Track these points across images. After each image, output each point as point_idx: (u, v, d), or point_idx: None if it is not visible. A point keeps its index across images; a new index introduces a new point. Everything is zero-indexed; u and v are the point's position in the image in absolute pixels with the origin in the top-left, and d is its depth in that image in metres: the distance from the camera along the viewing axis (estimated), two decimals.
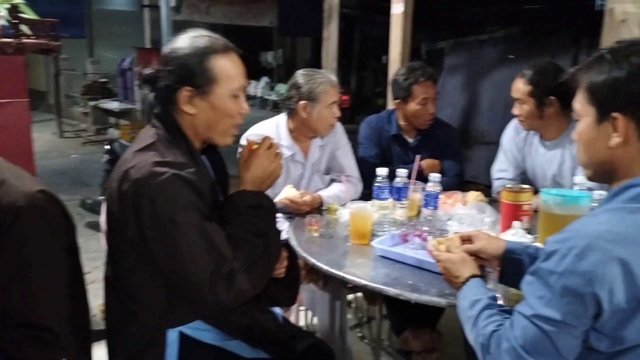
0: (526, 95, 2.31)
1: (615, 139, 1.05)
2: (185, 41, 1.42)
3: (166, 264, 1.33)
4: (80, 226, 4.46)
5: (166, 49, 1.45)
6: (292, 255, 1.69)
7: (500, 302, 1.26)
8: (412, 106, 2.62)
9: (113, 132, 9.03)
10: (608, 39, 2.86)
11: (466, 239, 1.43)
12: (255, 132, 2.28)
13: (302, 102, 2.30)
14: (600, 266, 0.94)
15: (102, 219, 1.61)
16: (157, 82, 1.43)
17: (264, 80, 14.76)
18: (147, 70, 1.46)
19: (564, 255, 0.98)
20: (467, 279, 1.28)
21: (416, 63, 2.74)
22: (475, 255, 1.39)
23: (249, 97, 15.28)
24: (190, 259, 1.30)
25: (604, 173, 1.12)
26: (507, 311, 1.16)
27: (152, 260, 1.35)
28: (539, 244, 1.56)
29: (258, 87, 14.85)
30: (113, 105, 9.03)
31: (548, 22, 7.16)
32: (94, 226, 4.43)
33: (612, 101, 1.05)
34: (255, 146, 1.47)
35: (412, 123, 2.69)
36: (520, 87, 2.34)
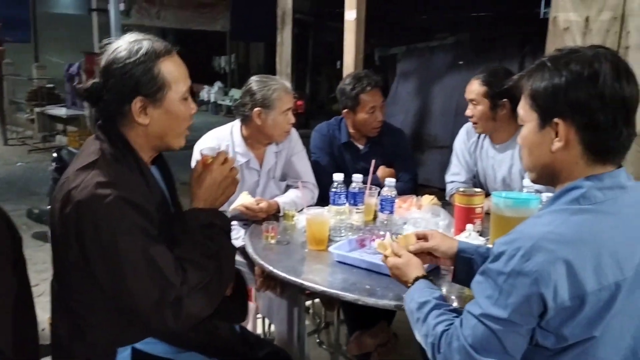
0: (481, 96, 2.38)
1: (557, 144, 1.08)
2: (124, 49, 1.32)
3: (111, 289, 1.28)
4: (27, 237, 4.29)
5: (105, 59, 1.33)
6: (238, 272, 1.63)
7: (455, 303, 1.29)
8: (361, 115, 2.63)
9: (61, 139, 8.72)
10: (552, 46, 2.97)
11: (421, 237, 1.48)
12: (209, 146, 2.26)
13: (256, 109, 2.28)
14: (544, 266, 0.98)
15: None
16: (102, 96, 1.34)
17: (217, 85, 14.61)
18: (87, 84, 1.36)
19: (511, 256, 1.01)
20: (413, 281, 1.32)
21: (362, 72, 2.75)
22: (430, 253, 1.45)
23: (202, 102, 15.12)
24: (135, 286, 1.24)
25: (547, 176, 1.16)
26: (455, 310, 1.20)
27: (98, 283, 1.28)
28: (490, 246, 1.60)
29: (211, 92, 14.66)
30: (60, 111, 8.72)
31: (496, 29, 7.39)
32: (42, 237, 4.27)
33: (553, 107, 1.08)
34: (209, 160, 1.43)
35: (361, 131, 2.71)
36: (475, 88, 2.40)
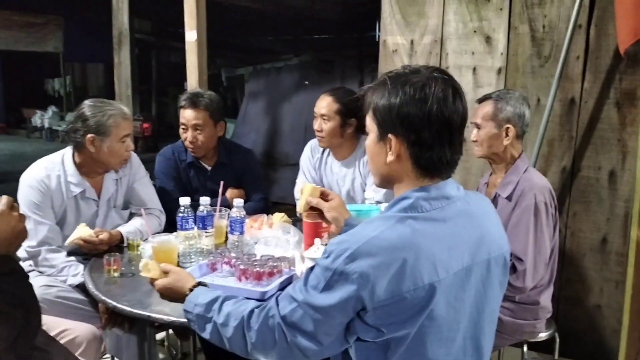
0: (333, 112, 2.47)
1: (390, 157, 1.17)
2: None
3: None
4: None
5: None
6: None
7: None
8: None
9: None
10: (384, 66, 3.21)
11: (326, 195, 1.71)
12: (37, 177, 2.08)
13: (89, 135, 2.11)
14: (365, 268, 1.06)
15: None
16: None
17: (52, 109, 13.49)
18: None
19: (338, 256, 1.10)
20: (192, 289, 1.41)
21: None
22: (322, 214, 1.67)
23: (35, 129, 13.83)
24: None
25: (386, 182, 1.25)
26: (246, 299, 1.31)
27: None
28: None
29: (45, 118, 13.49)
30: None
31: (337, 51, 7.81)
32: None
33: (388, 123, 1.16)
34: None
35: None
36: (328, 104, 2.49)
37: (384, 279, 1.06)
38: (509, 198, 2.05)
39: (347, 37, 8.11)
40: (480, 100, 2.17)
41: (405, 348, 1.10)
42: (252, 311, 1.24)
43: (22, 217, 1.31)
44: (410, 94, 1.12)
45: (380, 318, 1.08)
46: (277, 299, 1.21)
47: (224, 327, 1.27)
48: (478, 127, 2.13)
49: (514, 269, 1.96)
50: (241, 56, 9.53)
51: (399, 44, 3.12)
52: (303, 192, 1.73)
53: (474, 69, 2.90)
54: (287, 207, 2.64)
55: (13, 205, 1.30)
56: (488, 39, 2.84)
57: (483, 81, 2.88)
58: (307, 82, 7.15)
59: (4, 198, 1.30)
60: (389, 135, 1.16)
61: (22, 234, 1.30)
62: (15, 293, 1.23)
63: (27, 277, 1.33)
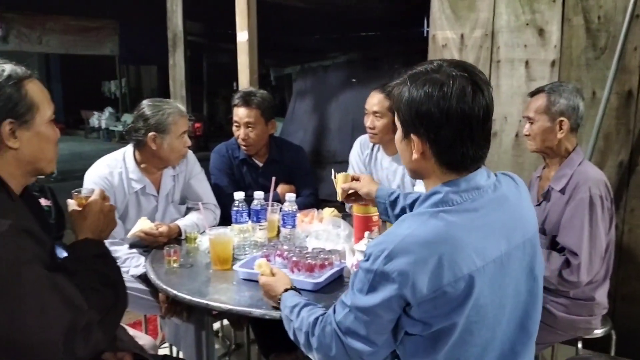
0: (386, 109, 2.49)
1: (415, 155, 1.20)
2: None
3: (4, 333, 1.14)
4: None
5: None
6: None
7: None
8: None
9: None
10: None
11: (355, 178, 1.84)
12: (100, 174, 2.21)
13: (151, 133, 2.22)
14: (403, 266, 1.09)
15: None
16: None
17: (108, 110, 14.01)
18: None
19: (376, 257, 1.13)
20: (282, 293, 1.49)
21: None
22: (356, 193, 1.81)
23: (93, 130, 14.42)
24: (41, 317, 1.15)
25: (417, 176, 1.30)
26: (323, 307, 1.37)
27: None
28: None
29: (102, 119, 14.03)
30: None
31: (384, 47, 7.77)
32: None
33: (409, 122, 1.18)
34: (83, 200, 1.45)
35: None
36: (380, 100, 2.51)
37: (424, 274, 1.08)
38: (562, 191, 2.02)
39: (394, 33, 8.06)
40: (533, 94, 2.13)
41: (454, 338, 1.13)
42: (316, 319, 1.30)
43: (113, 207, 1.47)
44: (429, 92, 1.13)
45: (425, 312, 1.11)
46: (334, 306, 1.26)
47: (299, 331, 1.34)
48: (531, 121, 2.10)
49: (567, 263, 1.93)
50: (289, 56, 9.63)
51: (448, 38, 3.10)
52: (337, 182, 1.88)
53: (527, 62, 2.85)
54: (336, 204, 2.68)
55: (105, 196, 1.46)
56: (541, 32, 2.79)
57: (536, 74, 2.83)
58: (354, 80, 7.15)
59: (98, 190, 1.47)
60: (412, 135, 1.18)
61: (113, 223, 1.47)
62: (107, 274, 1.36)
63: (116, 262, 1.47)
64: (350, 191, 1.84)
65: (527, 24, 2.82)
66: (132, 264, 2.15)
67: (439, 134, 1.14)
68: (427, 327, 1.12)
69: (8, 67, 1.29)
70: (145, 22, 9.82)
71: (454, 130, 1.13)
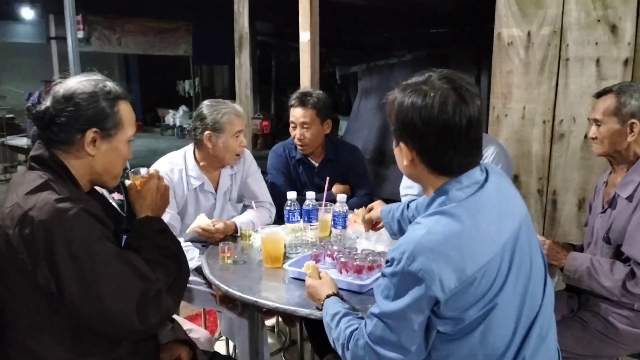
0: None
1: (405, 161, 1.25)
2: (89, 82, 1.41)
3: (82, 305, 1.26)
4: None
5: (65, 87, 1.39)
6: None
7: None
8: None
9: (22, 170, 8.50)
10: (498, 60, 3.10)
11: (370, 209, 1.92)
12: (162, 170, 2.30)
13: (206, 132, 2.30)
14: (427, 264, 1.12)
15: None
16: (54, 121, 1.37)
17: (182, 109, 14.56)
18: (42, 107, 1.40)
19: (399, 260, 1.15)
20: (325, 299, 1.51)
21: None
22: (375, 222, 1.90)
23: (168, 127, 15.03)
24: (115, 288, 1.27)
25: (413, 181, 1.33)
26: (362, 317, 1.36)
27: (57, 309, 1.27)
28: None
29: (177, 117, 14.60)
30: (21, 141, 8.50)
31: (452, 44, 7.61)
32: None
33: (397, 131, 1.24)
34: (140, 180, 1.57)
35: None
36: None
37: (448, 268, 1.11)
38: (629, 198, 1.90)
39: (462, 30, 7.86)
40: (599, 95, 2.01)
41: (483, 328, 1.16)
42: (352, 332, 1.32)
43: (167, 187, 1.61)
44: (414, 102, 1.18)
45: (456, 306, 1.14)
46: (365, 320, 1.28)
47: (337, 342, 1.37)
48: (598, 123, 1.98)
49: (632, 274, 1.82)
50: (356, 54, 9.62)
51: (514, 36, 2.99)
52: (359, 216, 2.10)
53: (597, 61, 2.70)
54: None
55: (160, 176, 1.61)
56: (614, 28, 2.63)
57: (607, 73, 2.68)
58: None
59: (154, 170, 1.62)
60: (401, 142, 1.24)
61: (167, 200, 1.62)
62: (169, 247, 1.50)
63: (174, 235, 1.59)
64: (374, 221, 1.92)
65: (599, 21, 2.67)
66: (187, 257, 2.22)
67: (423, 143, 1.20)
68: (459, 322, 1.15)
69: (110, 84, 1.44)
70: (217, 24, 10.10)
71: (436, 139, 1.18)
